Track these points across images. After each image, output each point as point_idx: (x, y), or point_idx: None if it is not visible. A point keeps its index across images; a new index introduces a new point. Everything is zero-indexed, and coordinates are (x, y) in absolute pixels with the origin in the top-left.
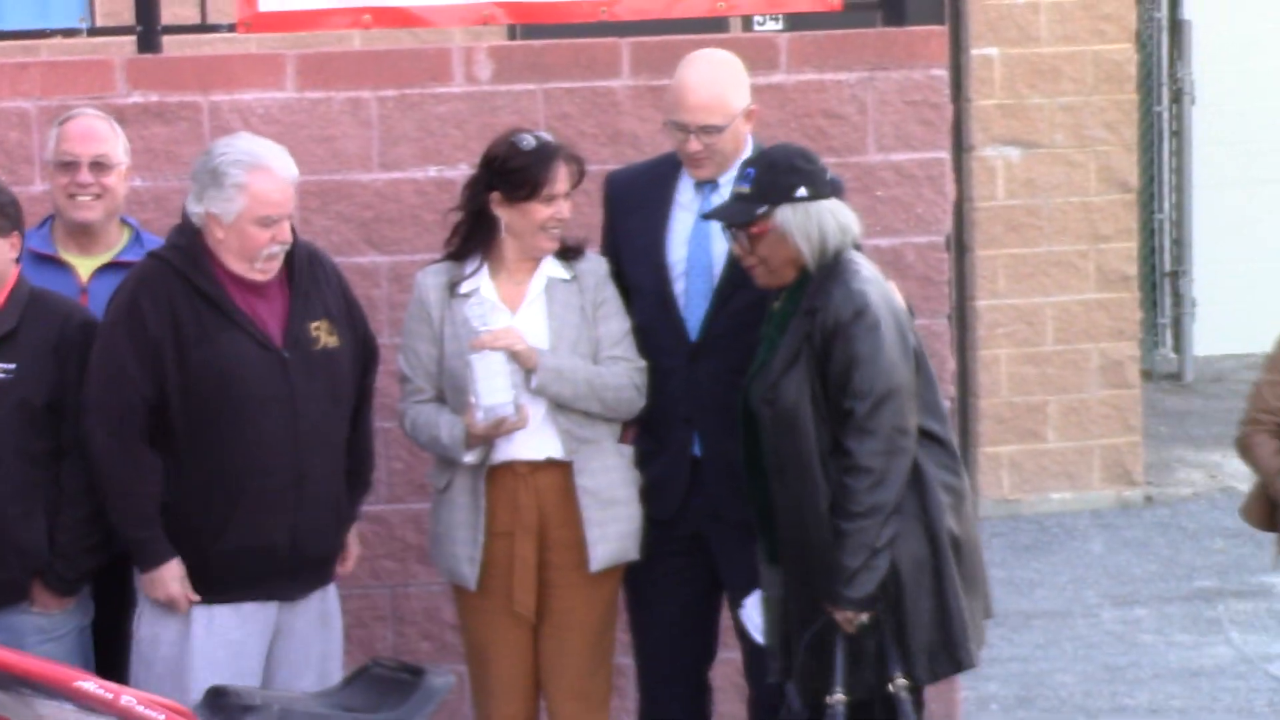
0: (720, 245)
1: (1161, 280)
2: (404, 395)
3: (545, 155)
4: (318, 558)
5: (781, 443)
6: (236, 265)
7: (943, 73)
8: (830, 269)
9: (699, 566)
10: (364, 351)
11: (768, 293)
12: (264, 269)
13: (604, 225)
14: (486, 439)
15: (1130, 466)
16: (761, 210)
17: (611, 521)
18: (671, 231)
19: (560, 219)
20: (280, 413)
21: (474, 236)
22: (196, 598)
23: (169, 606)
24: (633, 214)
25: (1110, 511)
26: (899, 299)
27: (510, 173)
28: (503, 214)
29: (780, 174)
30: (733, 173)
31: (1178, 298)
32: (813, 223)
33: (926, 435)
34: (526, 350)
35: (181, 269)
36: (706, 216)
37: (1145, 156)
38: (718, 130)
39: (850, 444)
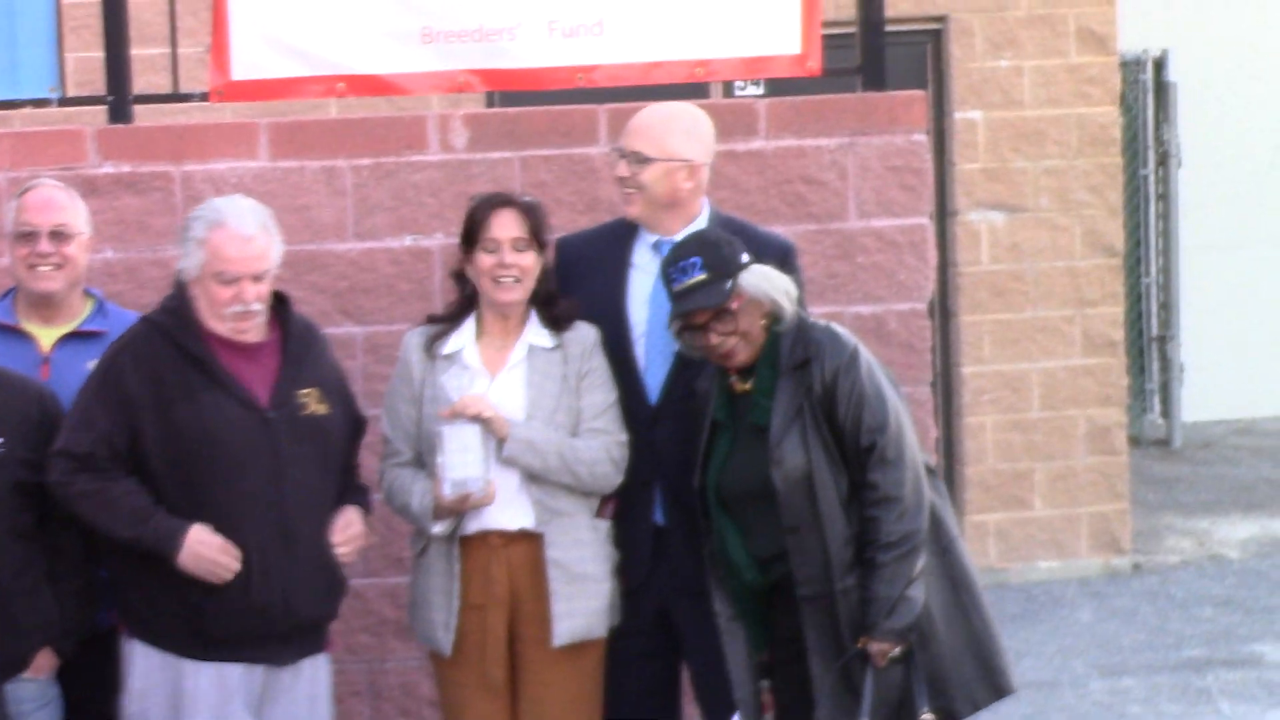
0: None
1: (1149, 345)
2: (384, 456)
3: (486, 202)
4: (310, 622)
5: (796, 500)
6: (213, 323)
7: (923, 138)
8: (801, 325)
9: (665, 643)
10: (352, 425)
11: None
12: (236, 328)
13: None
14: (453, 512)
15: (1118, 534)
16: (729, 285)
17: (580, 597)
18: (629, 293)
19: (505, 268)
20: (265, 473)
21: (458, 299)
22: (236, 551)
23: (217, 570)
24: (587, 277)
25: (1098, 580)
26: None
27: (464, 227)
28: (469, 271)
29: (723, 247)
30: (688, 232)
31: (1165, 362)
32: (774, 280)
33: (924, 468)
34: (497, 419)
35: (169, 330)
36: (677, 317)
37: (1131, 220)
38: (644, 161)
39: (875, 476)
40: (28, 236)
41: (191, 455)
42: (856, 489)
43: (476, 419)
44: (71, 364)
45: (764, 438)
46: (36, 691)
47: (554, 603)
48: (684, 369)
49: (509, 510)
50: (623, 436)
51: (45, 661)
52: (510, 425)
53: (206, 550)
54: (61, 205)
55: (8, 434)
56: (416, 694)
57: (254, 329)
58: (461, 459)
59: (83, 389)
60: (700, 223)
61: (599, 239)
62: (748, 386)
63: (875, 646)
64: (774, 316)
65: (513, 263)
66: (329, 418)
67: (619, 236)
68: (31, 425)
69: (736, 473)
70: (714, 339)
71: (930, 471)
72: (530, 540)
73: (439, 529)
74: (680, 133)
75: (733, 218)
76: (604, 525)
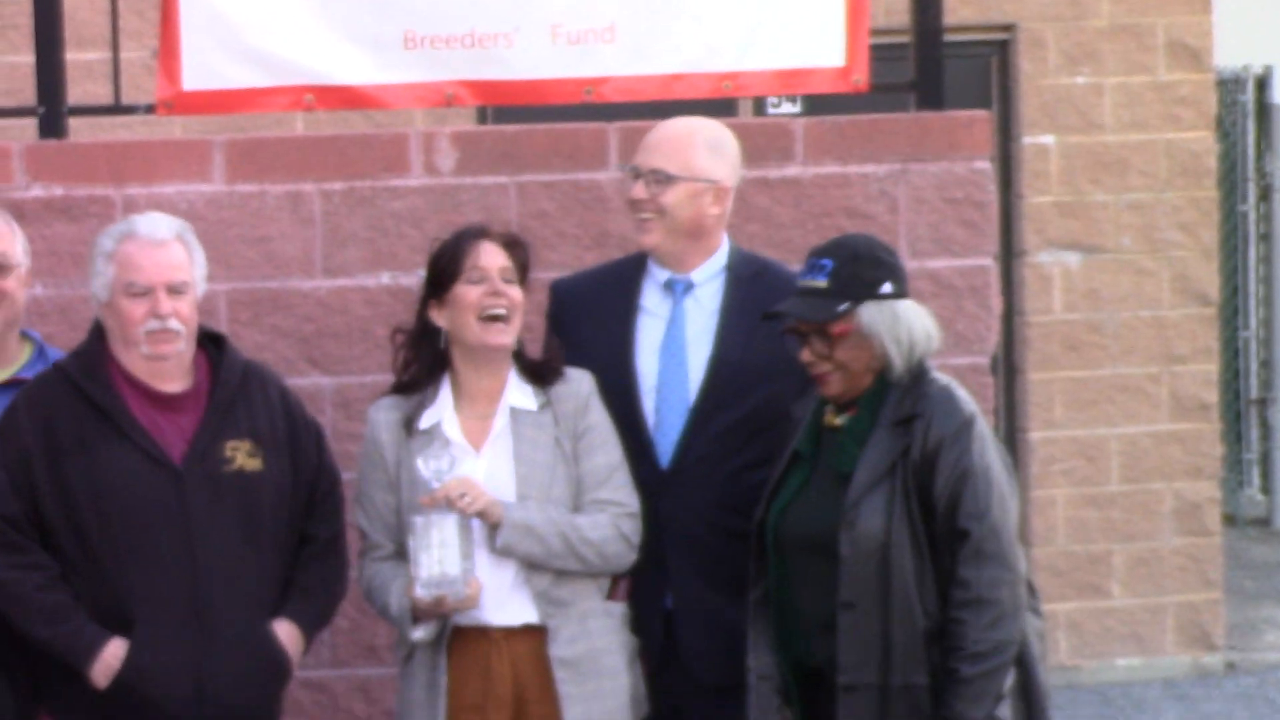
0: (697, 357)
1: (1246, 409)
2: (362, 551)
3: (464, 233)
4: (235, 711)
5: (861, 571)
6: (125, 357)
7: (987, 165)
8: (919, 377)
9: None
10: (310, 480)
11: (754, 412)
12: (153, 354)
13: (545, 342)
14: (434, 614)
15: (1209, 628)
16: (843, 308)
17: (594, 697)
18: (638, 342)
19: (496, 297)
20: (173, 536)
21: (421, 360)
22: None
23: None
24: (586, 323)
25: (1186, 680)
26: None
27: (432, 266)
28: (440, 321)
29: (864, 266)
30: (708, 270)
31: (1266, 429)
32: (902, 325)
33: None
34: (487, 506)
35: (74, 376)
36: (768, 316)
37: (1228, 263)
38: (668, 180)
39: (966, 573)
40: None
41: (84, 516)
42: (936, 577)
43: (460, 508)
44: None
45: (842, 488)
46: None
47: (565, 706)
48: (702, 427)
49: (507, 607)
50: (634, 504)
51: None
52: (506, 508)
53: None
54: None
55: None
56: None
57: (175, 361)
58: (436, 555)
59: None
60: (719, 259)
61: (600, 280)
62: (838, 422)
63: None
64: (883, 365)
65: (502, 294)
66: (261, 475)
67: (623, 277)
68: None
69: (802, 516)
70: (807, 355)
71: (1029, 585)
72: (535, 634)
73: (420, 634)
74: (706, 149)
75: (757, 256)
76: (618, 609)
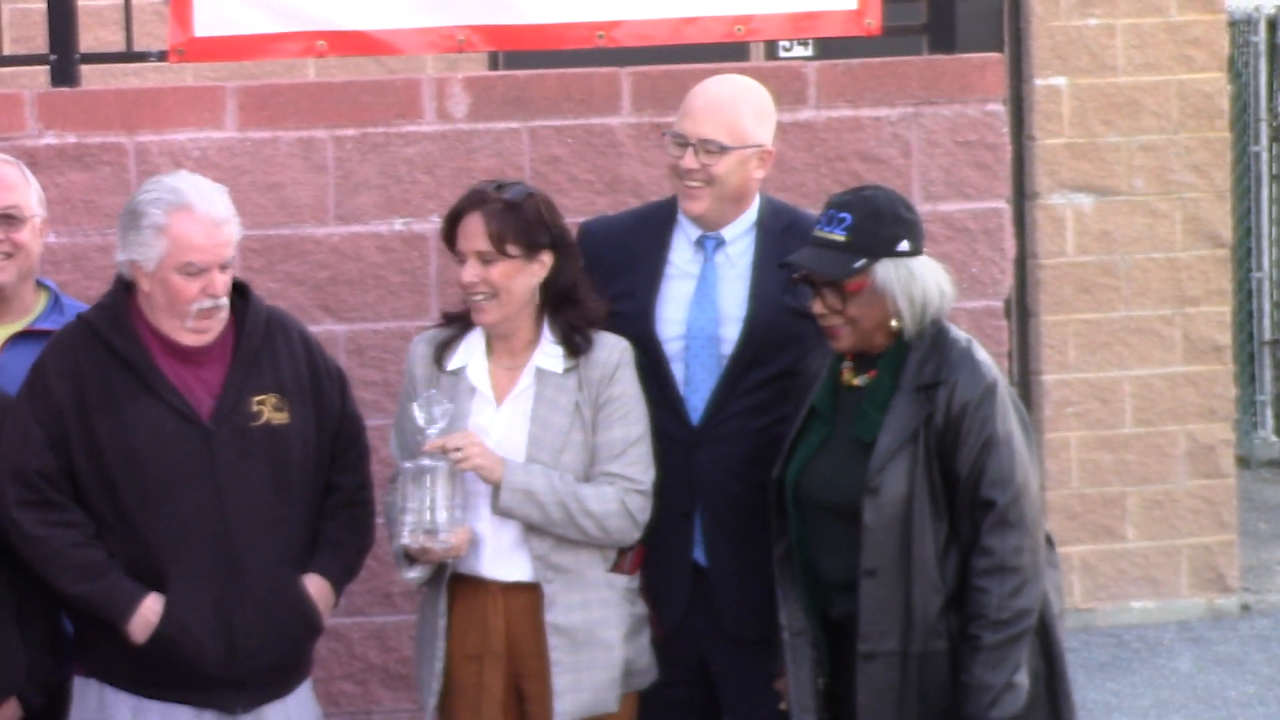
0: (730, 315)
1: (1260, 350)
2: (391, 478)
3: (459, 203)
4: (267, 666)
5: (885, 539)
6: (166, 324)
7: (1000, 107)
8: (938, 339)
9: (704, 696)
10: (334, 428)
11: (788, 369)
12: (198, 328)
13: (582, 294)
14: (422, 560)
15: (1224, 570)
16: (860, 264)
17: (586, 668)
18: (663, 298)
19: (469, 287)
20: (202, 491)
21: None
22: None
23: None
24: (612, 277)
25: (1200, 623)
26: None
27: None
28: None
29: (884, 223)
30: (740, 227)
31: (1279, 370)
32: (917, 283)
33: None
34: (483, 465)
35: (101, 330)
36: (785, 265)
37: (1240, 204)
38: (720, 150)
39: (990, 540)
40: None
41: (114, 473)
42: (958, 543)
43: (453, 459)
44: (24, 368)
45: (863, 454)
46: None
47: (555, 675)
48: (735, 384)
49: (506, 563)
50: (645, 482)
51: (8, 713)
52: (506, 470)
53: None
54: (12, 183)
55: None
56: None
57: (218, 326)
58: (420, 504)
59: (16, 400)
60: (750, 215)
61: (630, 231)
62: (856, 382)
63: None
64: (898, 323)
65: (476, 280)
66: (289, 427)
67: (653, 229)
68: None
69: (821, 479)
70: (819, 307)
71: (1049, 540)
72: (532, 592)
73: (414, 575)
74: (753, 114)
75: (786, 206)
76: (622, 582)
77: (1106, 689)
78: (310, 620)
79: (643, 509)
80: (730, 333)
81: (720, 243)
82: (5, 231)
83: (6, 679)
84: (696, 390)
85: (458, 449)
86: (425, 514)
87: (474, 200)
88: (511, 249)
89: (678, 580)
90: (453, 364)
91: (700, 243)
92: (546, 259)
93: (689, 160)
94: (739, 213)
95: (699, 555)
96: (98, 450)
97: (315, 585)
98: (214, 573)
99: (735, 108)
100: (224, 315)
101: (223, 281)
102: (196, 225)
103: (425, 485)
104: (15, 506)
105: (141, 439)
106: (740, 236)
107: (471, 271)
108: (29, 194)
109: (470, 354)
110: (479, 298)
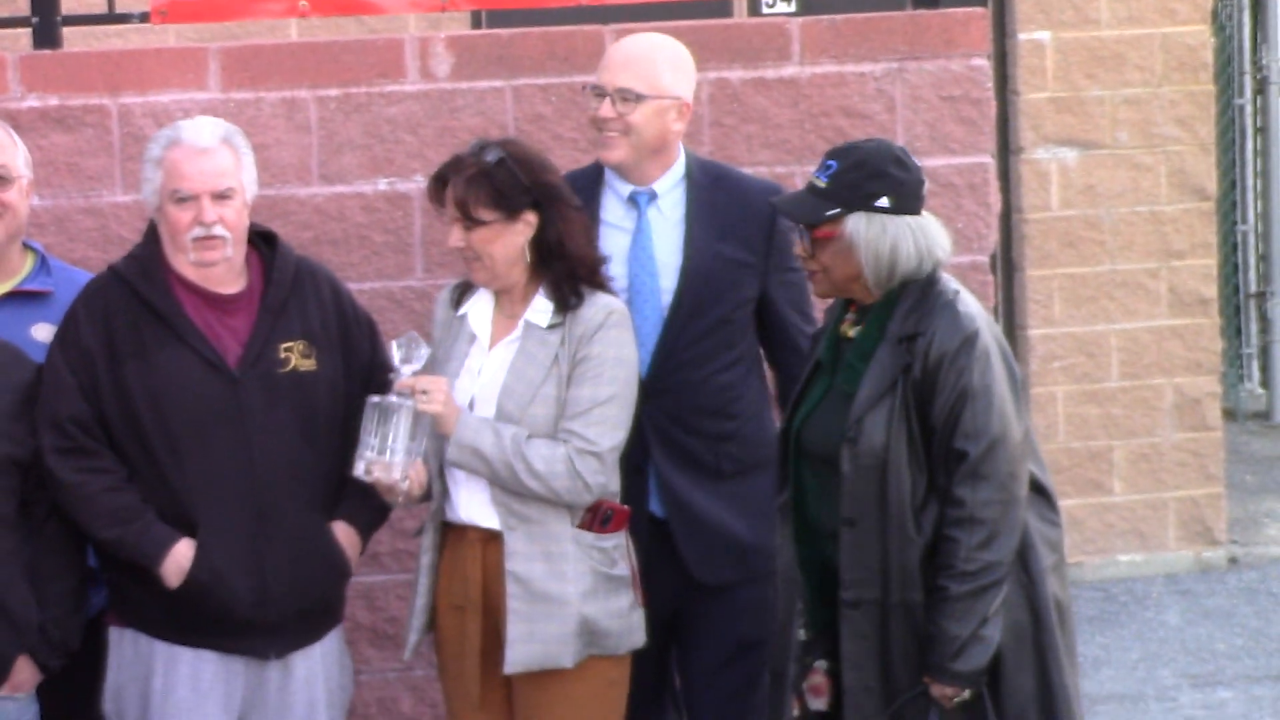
0: (667, 267)
1: (1246, 303)
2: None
3: (439, 173)
4: (297, 611)
5: (863, 488)
6: (177, 261)
7: (984, 62)
8: (926, 290)
9: (654, 650)
10: (364, 376)
11: (726, 317)
12: (198, 260)
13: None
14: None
15: (1211, 522)
16: (832, 213)
17: (541, 618)
18: (604, 254)
19: (456, 248)
20: (230, 439)
21: None
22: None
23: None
24: None
25: (1188, 576)
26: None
27: None
28: None
29: (866, 176)
30: (669, 180)
31: (1265, 323)
32: (885, 240)
33: (1029, 483)
34: (446, 414)
35: (130, 279)
36: (772, 205)
37: (1225, 158)
38: (636, 98)
39: (961, 491)
40: None
41: (143, 420)
42: (937, 496)
43: (416, 401)
44: (12, 328)
45: (847, 405)
46: (15, 712)
47: (510, 623)
48: (678, 334)
49: (482, 509)
50: (601, 444)
51: (25, 676)
52: (459, 425)
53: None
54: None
55: None
56: (396, 711)
57: (224, 265)
58: (382, 440)
59: (50, 350)
60: (678, 170)
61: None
62: (851, 334)
63: (939, 690)
64: (871, 278)
65: (460, 244)
66: (317, 374)
67: (581, 189)
68: (18, 397)
69: (815, 430)
70: (799, 249)
71: (1037, 487)
72: (502, 541)
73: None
74: (669, 66)
75: (712, 162)
76: (590, 539)
77: (1095, 642)
78: (339, 565)
79: (595, 471)
80: (669, 284)
81: (652, 196)
82: None
83: (16, 636)
84: (643, 344)
85: (424, 391)
86: (386, 450)
87: (451, 167)
88: (486, 214)
89: (635, 533)
90: (463, 308)
91: (632, 199)
92: (531, 218)
93: (606, 109)
94: (662, 166)
95: (655, 508)
96: (128, 397)
97: (343, 531)
98: (243, 519)
99: (651, 60)
100: (228, 250)
101: (215, 212)
102: (182, 153)
103: (391, 421)
104: (50, 454)
105: (170, 386)
106: (670, 190)
107: (456, 236)
108: (15, 154)
109: (479, 300)
110: (467, 259)
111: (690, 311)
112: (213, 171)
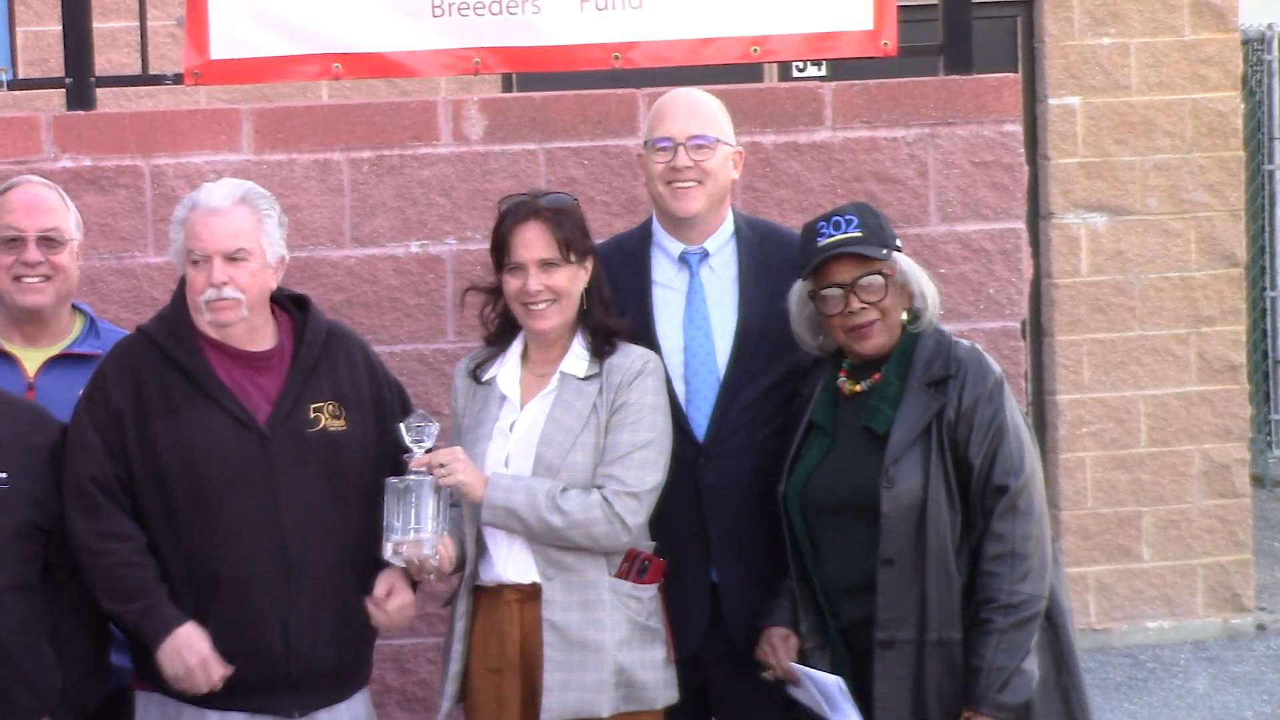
0: (722, 328)
1: (1274, 369)
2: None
3: (509, 216)
4: (323, 670)
5: (901, 528)
6: (201, 324)
7: (1017, 127)
8: (941, 339)
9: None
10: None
11: (785, 377)
12: (214, 321)
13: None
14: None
15: (1239, 589)
16: (884, 253)
17: (577, 668)
18: (656, 315)
19: (532, 295)
20: (258, 496)
21: (502, 317)
22: (227, 669)
23: (192, 682)
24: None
25: (1216, 643)
26: None
27: (492, 240)
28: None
29: (881, 223)
30: (719, 238)
31: None
32: (923, 275)
33: None
34: (471, 480)
35: (158, 339)
36: (820, 271)
37: (1254, 224)
38: (710, 144)
39: (1002, 526)
40: (12, 243)
41: (170, 477)
42: (970, 534)
43: (436, 476)
44: (61, 390)
45: (876, 446)
46: None
47: (546, 671)
48: (734, 397)
49: (517, 563)
50: (638, 485)
51: None
52: (490, 486)
53: (190, 658)
54: (51, 207)
55: (11, 467)
56: None
57: (243, 326)
58: (405, 520)
59: (75, 409)
60: (728, 227)
61: (619, 251)
62: (859, 389)
63: None
64: (914, 313)
65: (541, 287)
66: (345, 435)
67: (629, 254)
68: (42, 459)
69: (830, 481)
70: (855, 304)
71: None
72: (540, 597)
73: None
74: (724, 115)
75: (758, 219)
76: (628, 588)
77: (1123, 710)
78: (365, 625)
79: (633, 512)
80: (724, 345)
81: (704, 255)
82: (45, 254)
83: (39, 702)
84: (700, 407)
85: (441, 465)
86: (410, 529)
87: (527, 211)
88: (572, 254)
89: (698, 601)
90: (487, 375)
91: (683, 259)
92: (589, 264)
93: (682, 159)
94: (719, 220)
95: (713, 573)
96: (156, 455)
97: (399, 578)
98: (270, 576)
99: (711, 107)
100: (243, 311)
101: (226, 273)
102: (198, 214)
103: (410, 501)
104: (73, 515)
105: (199, 443)
106: (721, 248)
107: (536, 279)
108: (68, 217)
109: (504, 365)
110: (542, 305)
111: (746, 371)
112: (224, 233)
